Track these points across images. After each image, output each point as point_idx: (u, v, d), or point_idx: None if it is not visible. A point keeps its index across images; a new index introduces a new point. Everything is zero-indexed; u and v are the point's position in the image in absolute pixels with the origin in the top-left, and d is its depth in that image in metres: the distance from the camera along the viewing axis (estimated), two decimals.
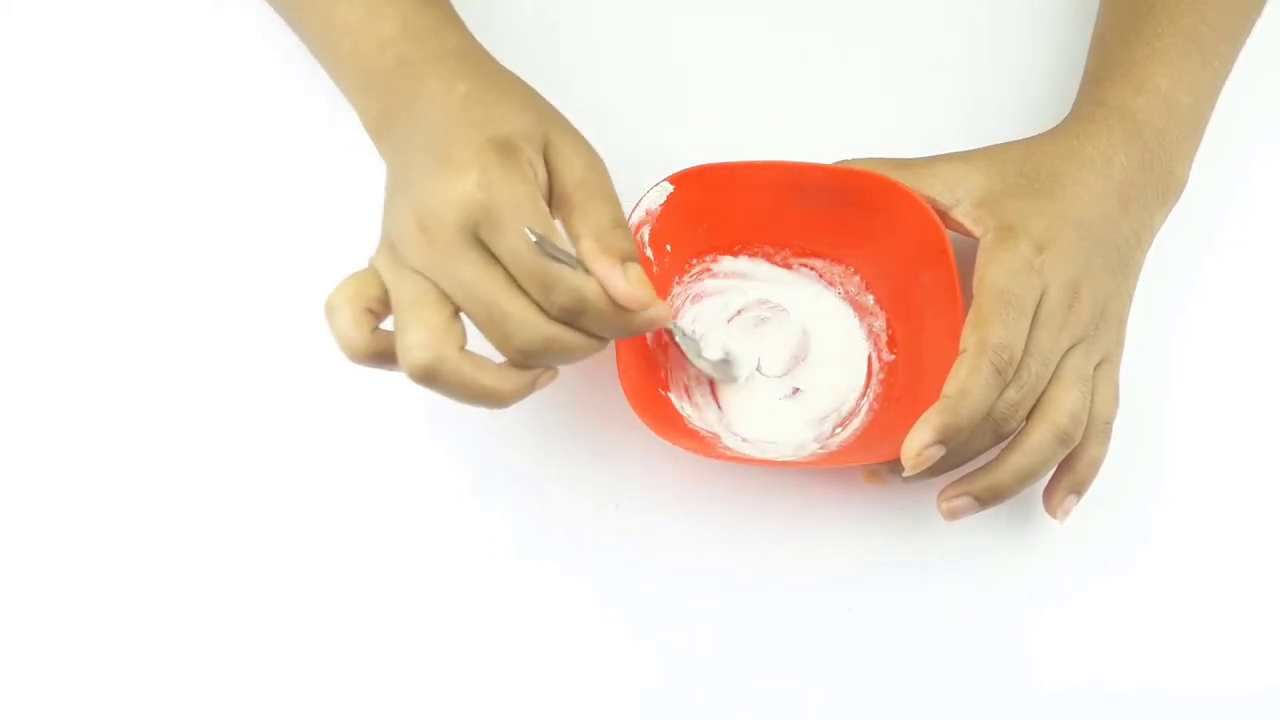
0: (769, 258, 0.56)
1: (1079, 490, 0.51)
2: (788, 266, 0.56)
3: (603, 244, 0.44)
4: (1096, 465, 0.51)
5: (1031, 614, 0.53)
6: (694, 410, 0.54)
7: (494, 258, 0.43)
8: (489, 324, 0.43)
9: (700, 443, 0.53)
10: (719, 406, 0.55)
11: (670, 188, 0.53)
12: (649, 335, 0.53)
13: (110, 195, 0.58)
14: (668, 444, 0.49)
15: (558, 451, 0.55)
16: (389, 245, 0.44)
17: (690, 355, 0.53)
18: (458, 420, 0.55)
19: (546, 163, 0.45)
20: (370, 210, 0.57)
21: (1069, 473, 0.51)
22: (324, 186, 0.59)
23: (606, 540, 0.54)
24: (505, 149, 0.43)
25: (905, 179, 0.53)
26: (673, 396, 0.54)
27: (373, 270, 0.44)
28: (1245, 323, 0.58)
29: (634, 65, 0.58)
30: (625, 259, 0.44)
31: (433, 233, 0.42)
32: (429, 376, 0.42)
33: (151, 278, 0.57)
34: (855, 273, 0.56)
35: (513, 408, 0.54)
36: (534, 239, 0.42)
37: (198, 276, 0.57)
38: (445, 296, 0.43)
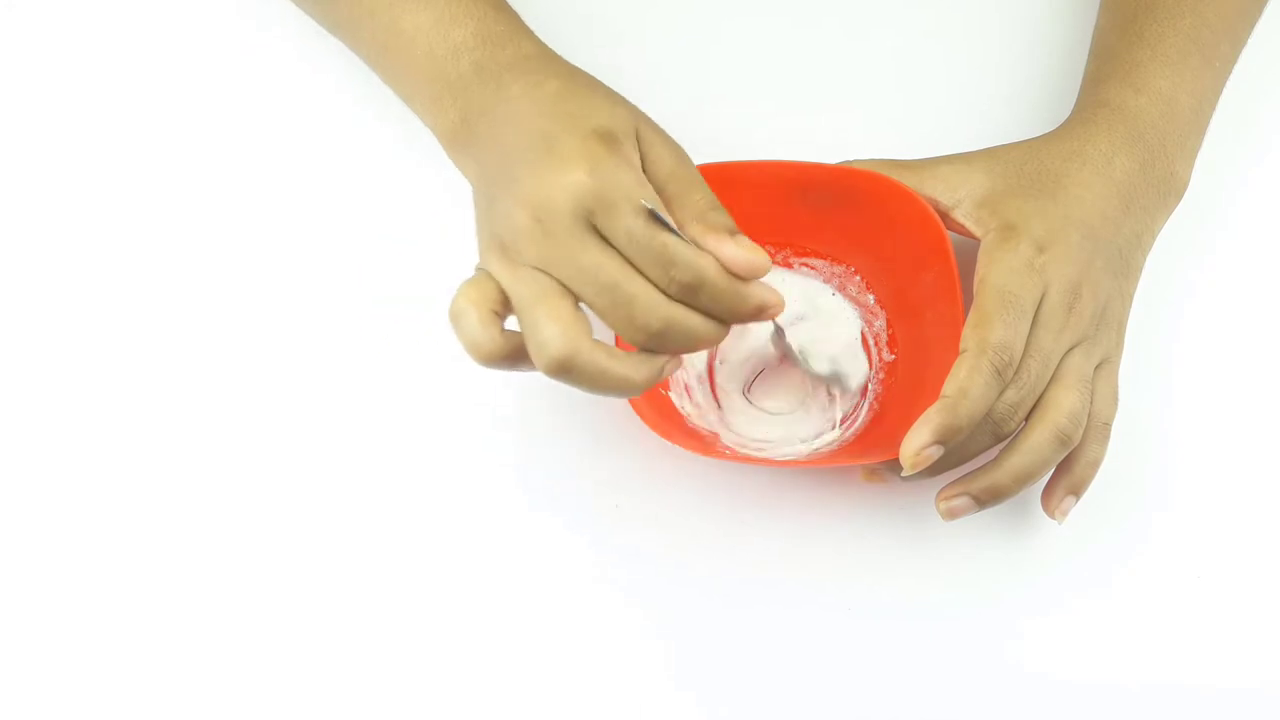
0: (770, 257, 0.56)
1: (1078, 491, 0.51)
2: (788, 266, 0.56)
3: (707, 224, 0.44)
4: (1095, 466, 0.51)
5: (1031, 614, 0.53)
6: (694, 409, 0.54)
7: (609, 244, 0.42)
8: (612, 308, 0.42)
9: (700, 442, 0.53)
10: (719, 405, 0.55)
11: None
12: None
13: (114, 196, 0.58)
14: (668, 443, 0.49)
15: (558, 451, 0.55)
16: (499, 246, 0.43)
17: (799, 362, 0.53)
18: (458, 419, 0.55)
19: (639, 154, 0.45)
20: (369, 211, 0.58)
21: (1068, 473, 0.51)
22: (327, 187, 0.59)
23: (606, 540, 0.53)
24: (609, 138, 0.43)
25: (906, 179, 0.53)
26: (673, 396, 0.54)
27: (485, 274, 0.43)
28: (1246, 324, 0.58)
29: (635, 64, 0.58)
30: (732, 232, 0.44)
31: (548, 223, 0.42)
32: (566, 369, 0.42)
33: (154, 278, 0.57)
34: (856, 272, 0.56)
35: (513, 407, 0.55)
36: (649, 207, 0.42)
37: (200, 276, 0.57)
38: (565, 288, 0.42)
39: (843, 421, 0.54)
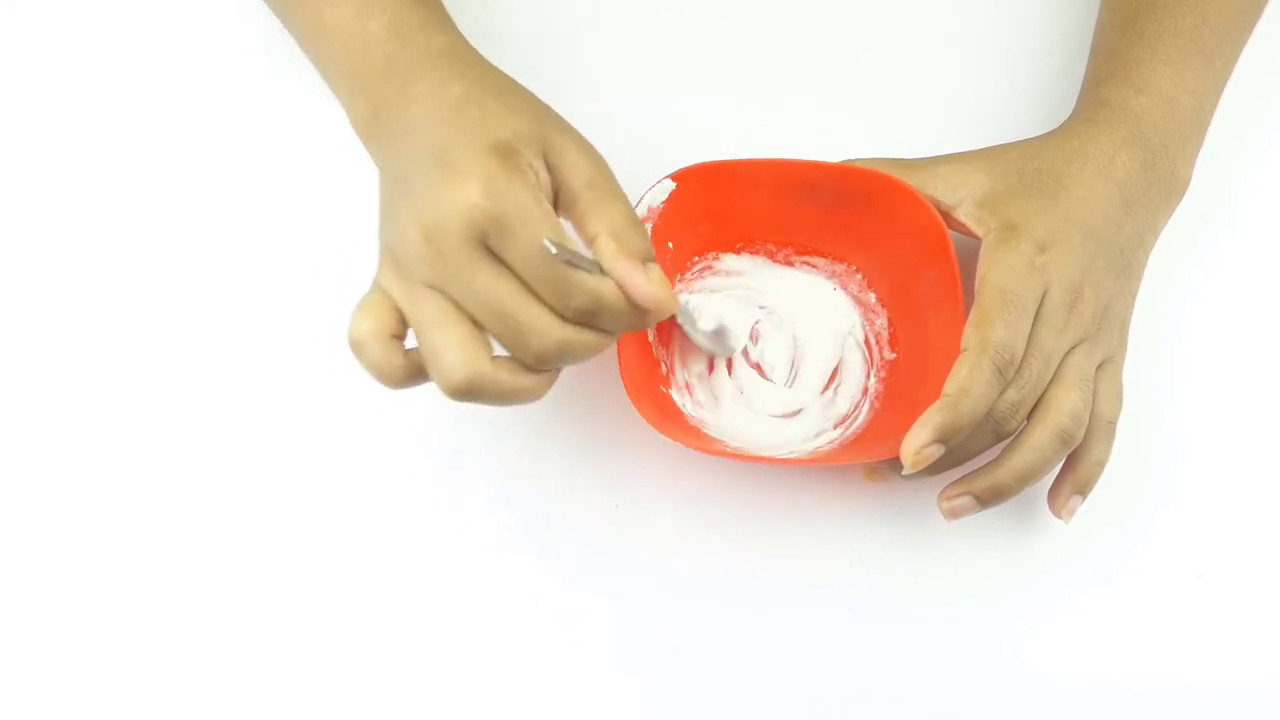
0: (771, 255, 0.56)
1: (1083, 491, 0.51)
2: (789, 264, 0.56)
3: (621, 243, 0.43)
4: (1101, 465, 0.51)
5: (1031, 613, 0.53)
6: (695, 408, 0.54)
7: (504, 265, 0.42)
8: (505, 334, 0.42)
9: (701, 440, 0.52)
10: (719, 404, 0.55)
11: (672, 185, 0.53)
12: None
13: (114, 196, 0.58)
14: (669, 441, 0.49)
15: (558, 450, 0.55)
16: (393, 260, 0.43)
17: (687, 329, 0.52)
18: (457, 419, 0.55)
19: (549, 164, 0.44)
20: (365, 212, 0.58)
21: (1073, 473, 0.51)
22: (324, 186, 0.59)
23: (606, 538, 0.53)
24: (506, 153, 0.43)
25: (908, 179, 0.53)
26: (674, 394, 0.54)
27: (381, 292, 0.43)
28: (1248, 323, 0.58)
29: (636, 62, 0.58)
30: (645, 259, 0.44)
31: (439, 244, 0.42)
32: (470, 392, 0.42)
33: (154, 278, 0.57)
34: (857, 271, 0.56)
35: (512, 406, 0.55)
36: (553, 249, 0.41)
37: (196, 278, 0.57)
38: (460, 309, 0.42)
39: (843, 421, 0.54)
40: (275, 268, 0.57)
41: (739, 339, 0.55)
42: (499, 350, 0.43)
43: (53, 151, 0.59)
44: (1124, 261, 0.52)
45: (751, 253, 0.56)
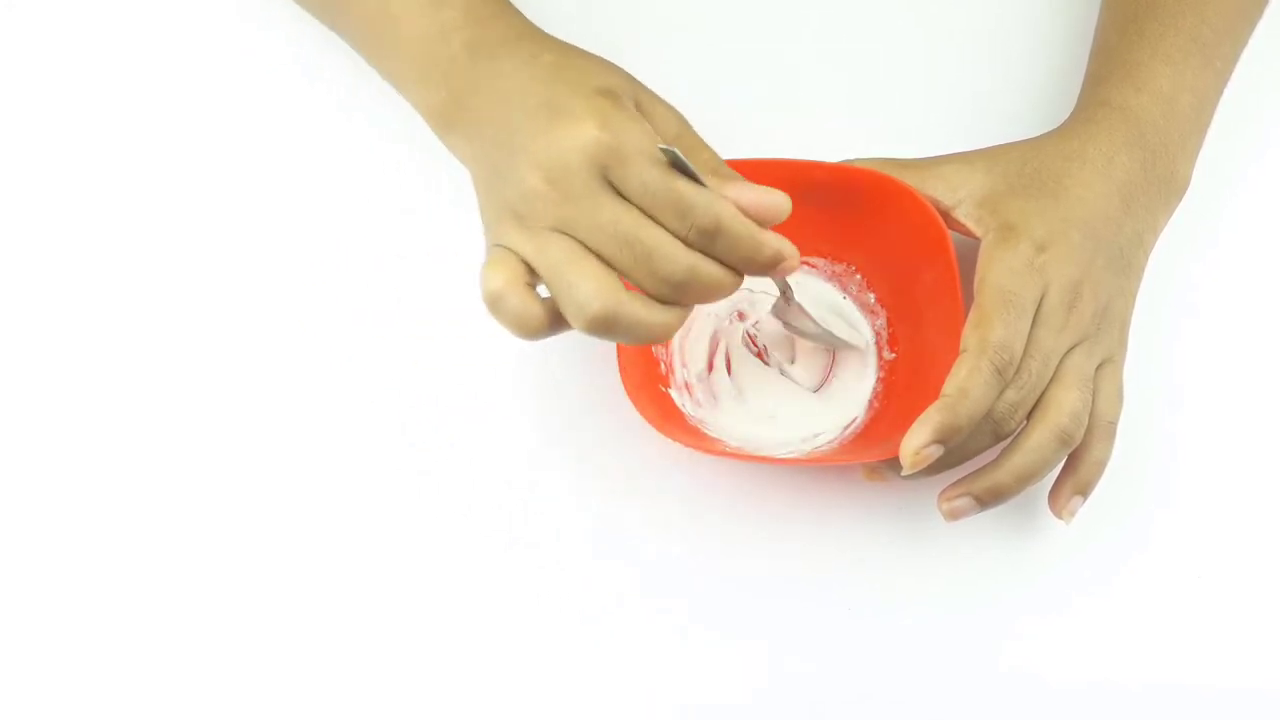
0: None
1: (1084, 491, 0.51)
2: None
3: (722, 176, 0.44)
4: (1101, 466, 0.51)
5: (1033, 614, 0.53)
6: (695, 408, 0.54)
7: (625, 199, 0.42)
8: (634, 262, 0.42)
9: (701, 440, 0.52)
10: (719, 403, 0.55)
11: None
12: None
13: (114, 196, 0.58)
14: (669, 441, 0.49)
15: (557, 449, 0.55)
16: (512, 215, 0.43)
17: (806, 323, 0.53)
18: (456, 417, 0.55)
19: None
20: (364, 213, 0.58)
21: (1074, 473, 0.51)
22: (326, 186, 0.59)
23: (605, 538, 0.53)
24: (613, 96, 0.43)
25: (907, 179, 0.53)
26: (673, 393, 0.54)
27: (504, 249, 0.43)
28: (1249, 323, 0.58)
29: (635, 62, 0.58)
30: (748, 182, 0.44)
31: (563, 183, 0.42)
32: (608, 325, 0.42)
33: (154, 278, 0.57)
34: (856, 271, 0.56)
35: (512, 403, 0.55)
36: (669, 152, 0.41)
37: (201, 276, 0.57)
38: (586, 246, 0.42)
39: (845, 420, 0.54)
40: (274, 266, 0.57)
41: (860, 336, 0.55)
42: None
43: (53, 151, 0.59)
44: (1124, 261, 0.52)
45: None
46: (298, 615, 0.53)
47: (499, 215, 0.44)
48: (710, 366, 0.55)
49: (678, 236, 0.42)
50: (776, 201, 0.43)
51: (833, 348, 0.55)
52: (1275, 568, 0.54)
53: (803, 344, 0.55)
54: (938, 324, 0.51)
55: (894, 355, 0.55)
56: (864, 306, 0.56)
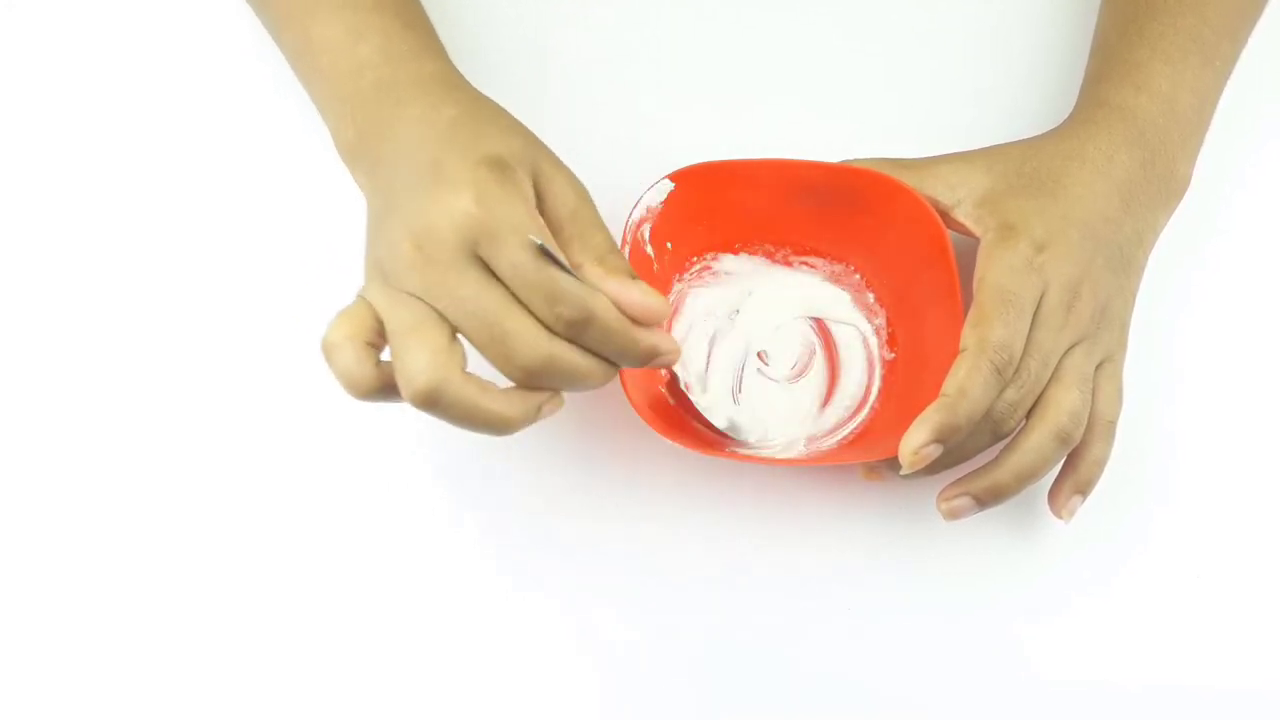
0: (769, 256, 0.56)
1: (1084, 491, 0.51)
2: (788, 264, 0.56)
3: (607, 266, 0.43)
4: (1101, 465, 0.51)
5: (1032, 614, 0.53)
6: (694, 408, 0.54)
7: (493, 276, 0.41)
8: (490, 343, 0.41)
9: (701, 440, 0.52)
10: (719, 403, 0.55)
11: (671, 185, 0.53)
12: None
13: (114, 196, 0.58)
14: (668, 442, 0.49)
15: (557, 451, 0.55)
16: (379, 272, 0.43)
17: (701, 410, 0.53)
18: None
19: (536, 190, 0.44)
20: (357, 216, 0.58)
21: (1074, 473, 0.51)
22: (322, 191, 0.59)
23: (605, 539, 0.53)
24: (499, 166, 0.43)
25: (907, 178, 0.53)
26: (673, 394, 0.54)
27: (363, 302, 0.42)
28: (1249, 322, 0.58)
29: (635, 62, 0.58)
30: (633, 277, 0.43)
31: (429, 250, 0.41)
32: (432, 401, 0.41)
33: (154, 278, 0.57)
34: (855, 271, 0.56)
35: None
36: (538, 243, 0.41)
37: (193, 279, 0.57)
38: (443, 318, 0.41)
39: (842, 421, 0.54)
40: (270, 268, 0.57)
41: (751, 434, 0.54)
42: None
43: (52, 151, 0.59)
44: (1123, 260, 0.52)
45: (750, 253, 0.56)
46: (297, 614, 0.53)
47: (371, 266, 0.44)
48: (709, 367, 0.55)
49: (543, 323, 0.41)
50: (655, 306, 0.43)
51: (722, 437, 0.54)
52: (1275, 568, 0.54)
53: (805, 355, 0.55)
54: (937, 324, 0.51)
55: (893, 355, 0.55)
56: (863, 306, 0.56)
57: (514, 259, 0.41)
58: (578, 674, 0.52)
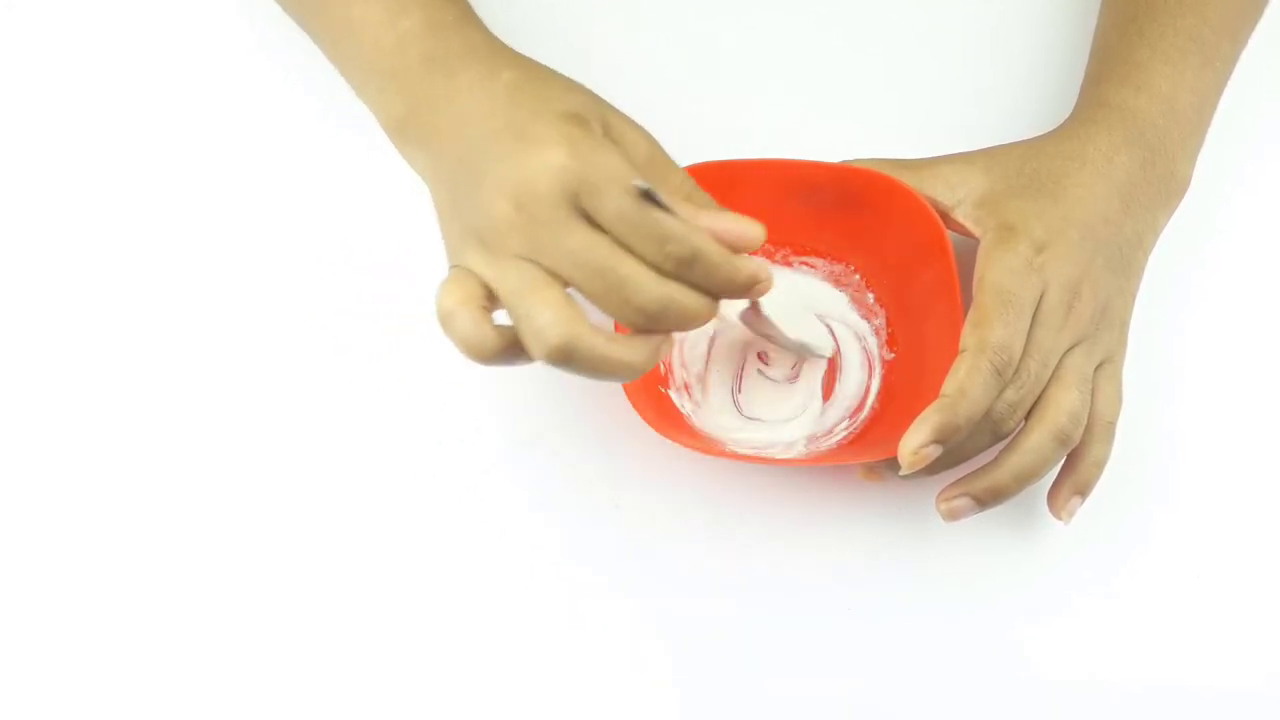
0: (769, 255, 0.56)
1: (1083, 491, 0.51)
2: (787, 264, 0.56)
3: (696, 202, 0.43)
4: (1100, 466, 0.51)
5: (1032, 614, 0.53)
6: (693, 408, 0.54)
7: (596, 226, 0.41)
8: (606, 291, 0.41)
9: (700, 441, 0.52)
10: (718, 404, 0.55)
11: None
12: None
13: (114, 196, 0.58)
14: (668, 442, 0.49)
15: (557, 450, 0.55)
16: (477, 240, 0.42)
17: (776, 337, 0.52)
18: (456, 419, 0.55)
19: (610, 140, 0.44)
20: (364, 214, 0.58)
21: (1073, 473, 0.51)
22: (327, 187, 0.59)
23: (605, 539, 0.53)
24: (580, 120, 0.42)
25: (907, 179, 0.53)
26: (673, 394, 0.54)
27: (465, 270, 0.42)
28: (1249, 323, 0.58)
29: (634, 62, 0.58)
30: (719, 209, 0.43)
31: (531, 209, 0.41)
32: (566, 356, 0.41)
33: (154, 278, 0.57)
34: (855, 271, 0.56)
35: (512, 406, 0.55)
36: (643, 187, 0.41)
37: (201, 276, 0.57)
38: (553, 275, 0.41)
39: (841, 421, 0.54)
40: (271, 271, 0.57)
41: (825, 348, 0.54)
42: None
43: (53, 151, 0.59)
44: (1123, 261, 0.52)
45: (749, 253, 0.56)
46: (295, 614, 0.53)
47: (462, 238, 0.43)
48: (708, 366, 0.55)
49: (651, 265, 0.41)
50: (751, 229, 0.43)
51: (801, 355, 0.55)
52: (1275, 568, 0.54)
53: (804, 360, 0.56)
54: (937, 324, 0.51)
55: (893, 355, 0.55)
56: (863, 306, 0.56)
57: (618, 205, 0.41)
58: (576, 673, 0.52)
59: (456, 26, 0.48)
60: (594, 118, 0.43)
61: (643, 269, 0.41)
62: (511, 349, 0.42)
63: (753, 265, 0.43)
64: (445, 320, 0.42)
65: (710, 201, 0.44)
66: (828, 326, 0.56)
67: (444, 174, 0.45)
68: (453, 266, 0.43)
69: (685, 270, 0.42)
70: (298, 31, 0.56)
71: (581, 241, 0.41)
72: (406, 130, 0.47)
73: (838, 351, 0.56)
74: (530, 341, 0.41)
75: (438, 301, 0.42)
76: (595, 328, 0.41)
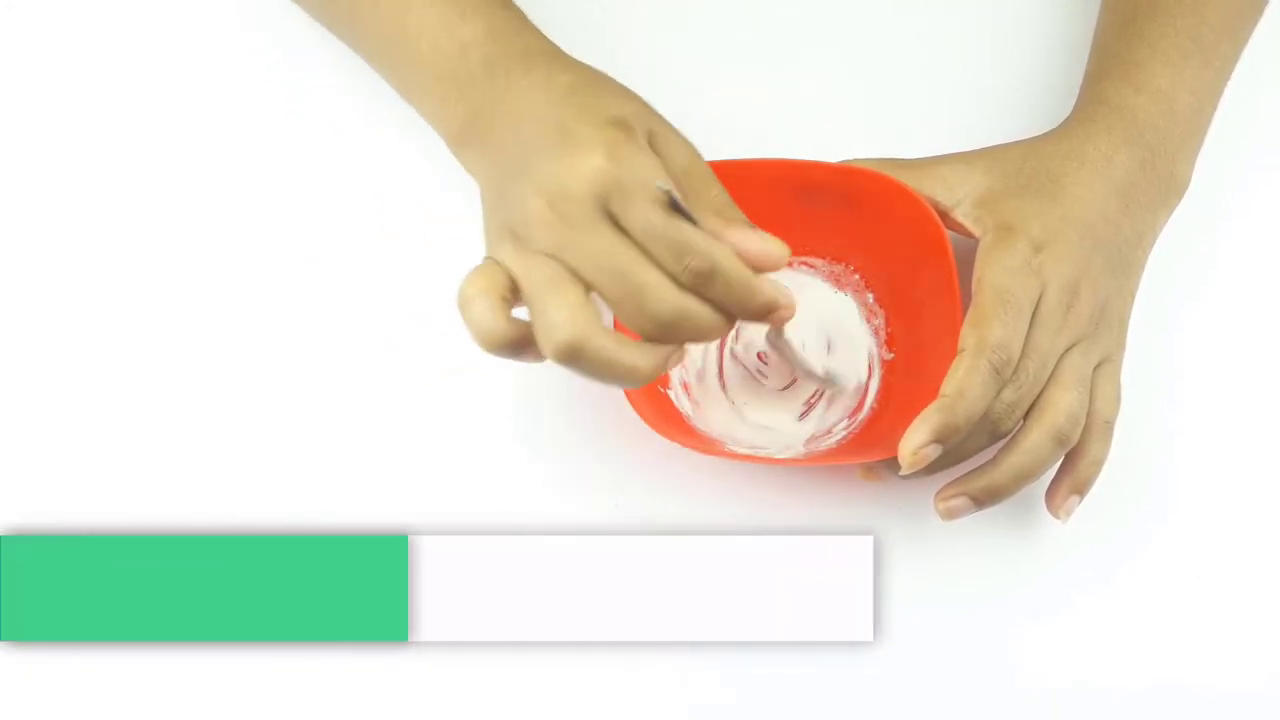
0: None
1: (1081, 491, 0.51)
2: (787, 264, 0.56)
3: (725, 218, 0.44)
4: (1098, 465, 0.51)
5: (1031, 614, 0.53)
6: (693, 408, 0.54)
7: (623, 232, 0.42)
8: (624, 297, 0.42)
9: (700, 441, 0.53)
10: (718, 404, 0.55)
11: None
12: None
13: (114, 196, 0.58)
14: (667, 442, 0.49)
15: (556, 450, 0.55)
16: (510, 234, 0.43)
17: (799, 364, 0.53)
18: (457, 419, 0.55)
19: (652, 149, 0.44)
20: (371, 211, 0.58)
21: (1071, 473, 0.51)
22: (328, 187, 0.59)
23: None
24: (625, 127, 0.43)
25: (906, 179, 0.53)
26: (672, 394, 0.54)
27: (494, 262, 0.43)
28: (1248, 323, 0.58)
29: (634, 63, 0.58)
30: (750, 227, 0.44)
31: (563, 209, 0.41)
32: (573, 355, 0.41)
33: (154, 278, 0.57)
34: (854, 271, 0.56)
35: (512, 405, 0.55)
36: (668, 191, 0.41)
37: (201, 277, 0.57)
38: (576, 275, 0.42)
39: (840, 421, 0.54)
40: (277, 268, 0.57)
41: (849, 380, 0.54)
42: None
43: (53, 151, 0.59)
44: (1122, 261, 0.52)
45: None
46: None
47: (499, 232, 0.44)
48: (707, 367, 0.55)
49: (670, 276, 0.42)
50: (775, 250, 0.43)
51: (823, 385, 0.55)
52: (1275, 568, 0.54)
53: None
54: (936, 324, 0.51)
55: (892, 355, 0.55)
56: (863, 306, 0.56)
57: (646, 214, 0.41)
58: (574, 673, 0.52)
59: (515, 33, 0.49)
60: (640, 125, 0.44)
61: (662, 278, 0.42)
62: (522, 342, 0.42)
63: (771, 291, 0.43)
64: (463, 306, 0.42)
65: (743, 219, 0.44)
66: (868, 353, 0.56)
67: (494, 171, 0.46)
68: (485, 258, 0.44)
69: (703, 285, 0.42)
70: (298, 31, 0.57)
71: (606, 244, 0.41)
72: (466, 135, 0.48)
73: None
74: (542, 337, 0.41)
75: (460, 287, 0.42)
76: (608, 331, 0.41)
